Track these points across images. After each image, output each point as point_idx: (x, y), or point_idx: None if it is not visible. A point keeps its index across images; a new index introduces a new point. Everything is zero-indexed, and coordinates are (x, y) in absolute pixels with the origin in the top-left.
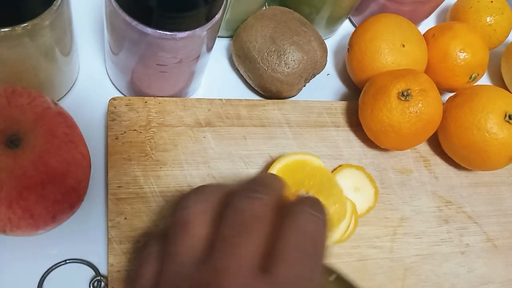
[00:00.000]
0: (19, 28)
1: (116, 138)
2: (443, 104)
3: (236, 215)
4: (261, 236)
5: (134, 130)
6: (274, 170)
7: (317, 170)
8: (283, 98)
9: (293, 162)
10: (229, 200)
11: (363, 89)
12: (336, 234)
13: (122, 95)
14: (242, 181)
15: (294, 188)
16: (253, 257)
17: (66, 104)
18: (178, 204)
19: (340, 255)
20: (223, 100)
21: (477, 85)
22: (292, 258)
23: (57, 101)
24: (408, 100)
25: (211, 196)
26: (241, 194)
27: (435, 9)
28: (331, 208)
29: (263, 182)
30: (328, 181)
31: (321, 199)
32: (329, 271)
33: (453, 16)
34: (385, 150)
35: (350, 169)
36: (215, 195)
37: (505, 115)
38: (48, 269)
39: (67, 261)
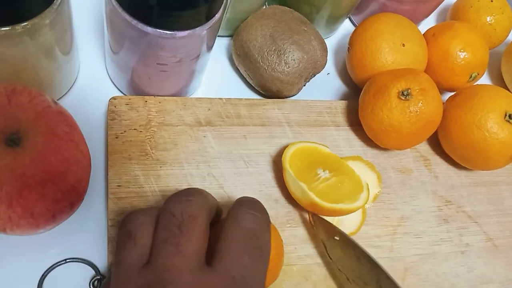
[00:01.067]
0: (19, 27)
1: (116, 137)
2: (443, 103)
3: (170, 218)
4: (199, 233)
5: (134, 129)
6: (289, 152)
7: (328, 155)
8: (283, 98)
9: (305, 147)
10: (163, 208)
11: (363, 88)
12: (360, 201)
13: (122, 94)
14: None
15: (310, 167)
16: (194, 253)
17: (66, 103)
18: (122, 222)
19: None
20: (223, 99)
21: (477, 84)
22: (233, 250)
23: (57, 100)
24: (408, 100)
25: (152, 210)
26: (171, 199)
27: (435, 9)
28: (348, 184)
29: (191, 190)
30: (340, 163)
31: (336, 176)
32: (335, 231)
33: (453, 15)
34: (385, 149)
35: (347, 162)
36: (155, 209)
37: (505, 115)
38: (48, 268)
39: (67, 260)
